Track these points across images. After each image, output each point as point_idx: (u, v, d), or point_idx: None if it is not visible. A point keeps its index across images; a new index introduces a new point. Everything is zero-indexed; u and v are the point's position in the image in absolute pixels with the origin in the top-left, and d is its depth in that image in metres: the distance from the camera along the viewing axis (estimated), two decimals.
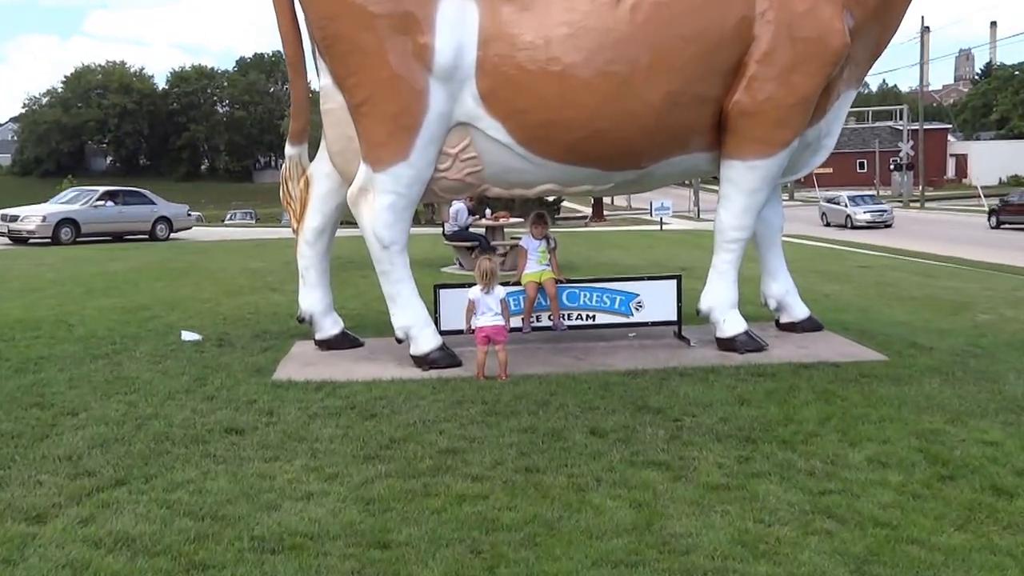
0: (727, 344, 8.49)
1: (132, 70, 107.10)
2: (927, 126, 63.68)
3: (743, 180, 8.28)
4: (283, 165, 8.87)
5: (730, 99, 8.03)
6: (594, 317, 8.94)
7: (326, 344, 8.94)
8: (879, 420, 6.43)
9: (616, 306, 8.92)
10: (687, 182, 61.84)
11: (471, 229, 16.75)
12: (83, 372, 7.87)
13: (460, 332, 8.39)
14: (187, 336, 9.32)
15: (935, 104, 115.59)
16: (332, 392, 7.18)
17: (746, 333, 8.51)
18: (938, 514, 4.81)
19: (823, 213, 41.42)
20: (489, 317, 7.72)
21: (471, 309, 7.81)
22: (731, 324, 8.50)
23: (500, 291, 7.77)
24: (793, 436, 6.11)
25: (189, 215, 30.37)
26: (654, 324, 9.06)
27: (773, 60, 7.90)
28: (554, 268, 8.94)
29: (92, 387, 7.33)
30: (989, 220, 36.36)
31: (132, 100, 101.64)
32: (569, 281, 9.03)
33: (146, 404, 6.77)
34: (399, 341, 8.20)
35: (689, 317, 9.15)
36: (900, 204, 56.32)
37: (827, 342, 8.95)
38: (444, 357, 8.11)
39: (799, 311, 9.33)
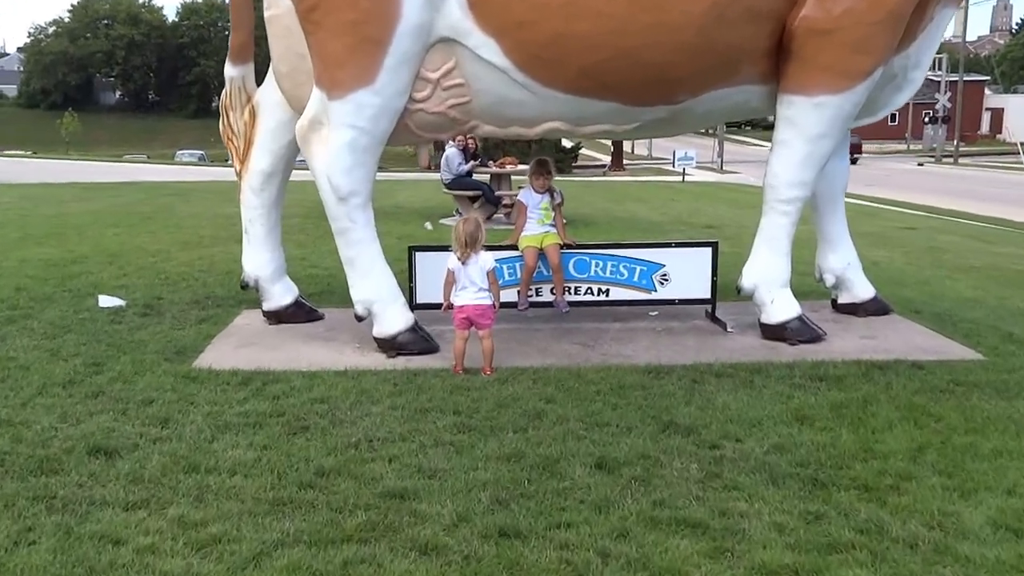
0: (775, 331, 6.72)
1: (140, 1, 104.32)
2: (966, 78, 60.68)
3: (807, 121, 6.41)
4: (223, 91, 7.07)
5: (796, 13, 6.15)
6: (607, 292, 7.16)
7: (275, 316, 7.23)
8: (993, 455, 4.68)
9: (636, 279, 7.14)
10: (709, 130, 59.14)
11: (474, 176, 14.90)
12: None
13: (439, 307, 6.68)
14: (105, 302, 7.63)
15: (970, 55, 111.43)
16: (260, 389, 5.47)
17: (799, 318, 6.72)
18: None
19: None
20: (471, 293, 5.97)
21: (449, 281, 6.06)
22: (781, 306, 6.71)
23: (486, 259, 6.00)
24: (878, 479, 4.38)
25: None
26: (682, 302, 7.28)
27: None
28: (559, 230, 7.16)
29: None
30: None
31: (140, 32, 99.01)
32: (578, 247, 7.23)
33: (2, 403, 5.09)
34: (359, 318, 6.47)
35: (725, 291, 7.38)
36: (932, 159, 53.83)
37: (899, 330, 7.15)
38: (415, 340, 6.39)
39: (863, 290, 7.52)
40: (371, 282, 6.38)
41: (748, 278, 6.77)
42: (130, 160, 47.21)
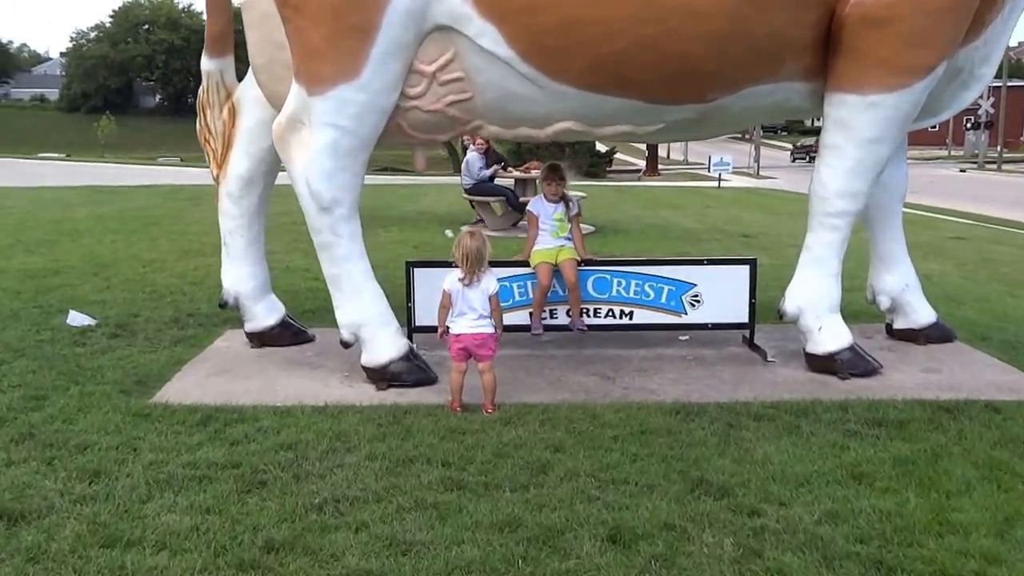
0: (823, 363, 5.83)
1: (180, 6, 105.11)
2: (1010, 83, 58.75)
3: (860, 124, 5.53)
4: (200, 87, 6.35)
5: None
6: (631, 315, 6.32)
7: (258, 338, 6.49)
8: None
9: (663, 300, 6.29)
10: (745, 134, 57.60)
11: (496, 181, 14.10)
12: None
13: (435, 330, 5.92)
14: (74, 320, 6.93)
15: (1013, 60, 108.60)
16: (219, 432, 4.71)
17: (851, 348, 5.83)
18: None
19: None
20: (469, 321, 5.16)
21: (445, 305, 5.26)
22: (830, 334, 5.82)
23: (490, 283, 5.20)
24: (958, 561, 3.51)
25: None
26: (716, 327, 6.41)
27: None
28: (576, 243, 6.33)
29: None
30: None
31: (180, 37, 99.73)
32: (598, 263, 6.39)
33: None
34: (345, 344, 5.70)
35: (764, 311, 6.51)
36: (975, 165, 52.11)
37: (965, 362, 6.22)
38: (409, 370, 5.60)
39: (923, 314, 6.59)
40: (359, 304, 5.61)
41: (792, 301, 5.89)
42: (164, 163, 47.09)
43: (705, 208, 20.55)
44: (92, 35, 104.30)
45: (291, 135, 5.45)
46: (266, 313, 6.48)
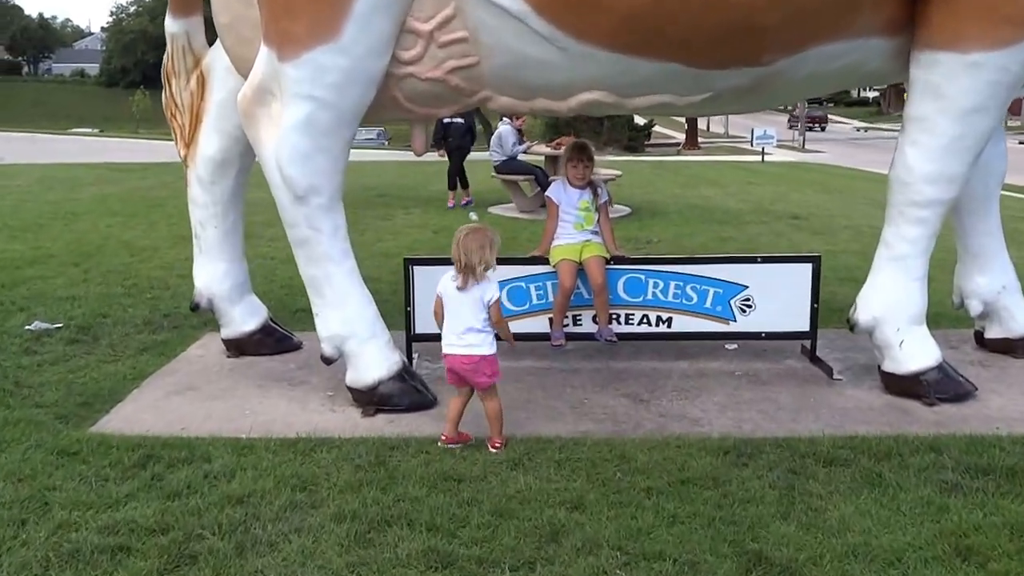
0: (905, 385, 4.80)
1: None
2: None
3: (957, 90, 4.45)
4: (165, 53, 5.44)
5: None
6: (670, 322, 5.33)
7: (235, 346, 5.62)
8: None
9: (708, 304, 5.29)
10: (787, 105, 55.06)
11: (520, 158, 13.09)
12: None
13: (439, 338, 5.03)
14: (35, 325, 6.09)
15: None
16: (158, 478, 3.82)
17: (939, 367, 4.79)
18: None
19: None
20: (457, 337, 4.20)
21: (438, 312, 4.31)
22: (914, 351, 4.78)
23: (487, 289, 4.22)
24: None
25: None
26: (771, 336, 5.40)
27: None
28: (605, 237, 5.35)
29: None
30: None
31: None
32: (631, 261, 5.40)
33: None
34: (327, 360, 4.79)
35: (827, 317, 5.51)
36: None
37: None
38: (402, 392, 4.68)
39: (1023, 321, 5.51)
40: (342, 312, 4.69)
41: (867, 309, 4.85)
42: None
43: (748, 185, 19.32)
44: (132, 9, 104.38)
45: (259, 109, 4.52)
46: (245, 317, 5.59)
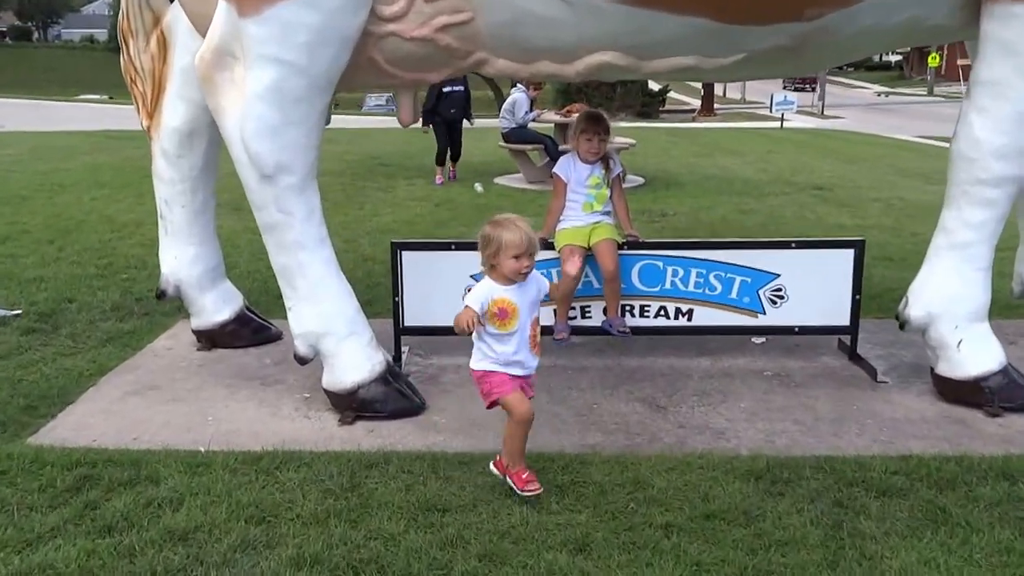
0: (963, 391, 4.18)
1: None
2: None
3: None
4: (120, 11, 4.81)
5: None
6: (690, 314, 4.72)
7: (207, 338, 5.05)
8: None
9: (734, 295, 4.68)
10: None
11: (530, 127, 12.38)
12: None
13: (437, 332, 4.47)
14: None
15: None
16: (91, 506, 3.25)
17: (1003, 371, 4.17)
18: None
19: None
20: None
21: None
22: (975, 352, 4.16)
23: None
24: None
25: None
26: (805, 331, 4.79)
27: None
28: (620, 217, 4.74)
29: None
30: None
31: None
32: (646, 245, 4.77)
33: None
34: (301, 360, 4.21)
35: (864, 304, 4.89)
36: None
37: None
38: (386, 397, 4.10)
39: None
40: (318, 307, 4.10)
41: (921, 304, 4.22)
42: None
43: (768, 154, 18.56)
44: None
45: (219, 74, 3.89)
46: (217, 306, 5.02)
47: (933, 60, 51.21)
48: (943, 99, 50.70)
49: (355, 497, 3.35)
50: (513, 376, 3.36)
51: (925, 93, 55.30)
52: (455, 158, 12.82)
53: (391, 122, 27.40)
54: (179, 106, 4.70)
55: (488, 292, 3.30)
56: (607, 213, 4.67)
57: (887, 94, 58.08)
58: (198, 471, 3.54)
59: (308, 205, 4.00)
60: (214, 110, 3.97)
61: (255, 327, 5.14)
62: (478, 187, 11.67)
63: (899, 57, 73.46)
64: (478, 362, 3.41)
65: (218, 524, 3.14)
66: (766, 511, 3.25)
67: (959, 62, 58.21)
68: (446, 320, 4.66)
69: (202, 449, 3.76)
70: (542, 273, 4.60)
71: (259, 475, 3.52)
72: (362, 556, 2.95)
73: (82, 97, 51.17)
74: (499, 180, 12.64)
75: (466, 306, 3.27)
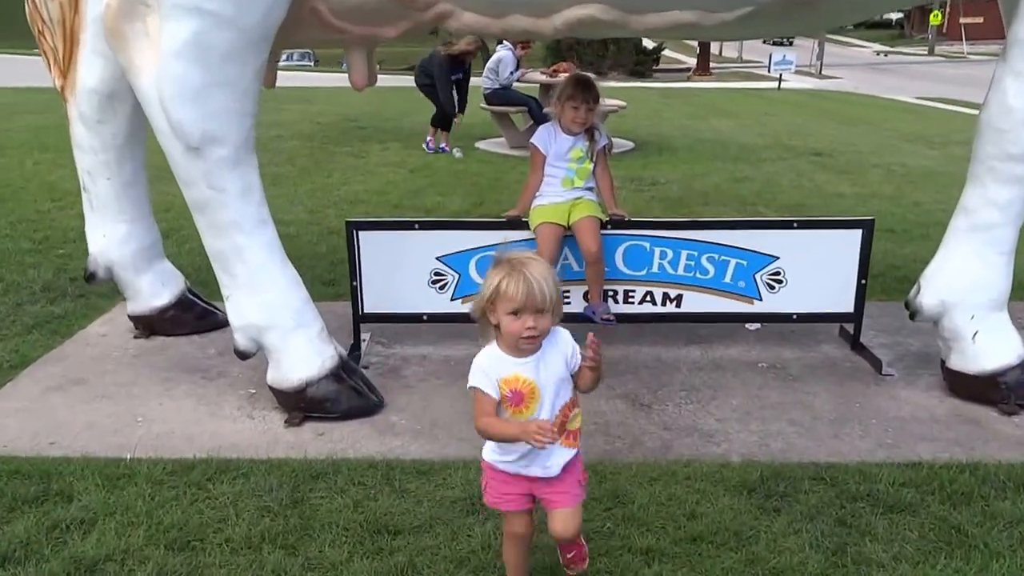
0: (977, 387, 3.78)
1: None
2: None
3: None
4: None
5: None
6: (679, 300, 4.29)
7: (144, 324, 4.61)
8: None
9: (728, 279, 4.24)
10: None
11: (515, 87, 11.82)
12: None
13: (399, 319, 4.06)
14: None
15: None
16: None
17: (1022, 366, 3.75)
18: None
19: None
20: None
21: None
22: (992, 344, 3.75)
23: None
24: None
25: None
26: (803, 319, 4.36)
27: None
28: (604, 194, 4.29)
29: None
30: None
31: None
32: (632, 224, 4.31)
33: None
34: (242, 356, 3.77)
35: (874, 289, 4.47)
36: None
37: None
38: (338, 395, 3.67)
39: None
40: (259, 297, 3.65)
41: (935, 292, 3.80)
42: None
43: (764, 116, 18.05)
44: None
45: (128, 25, 3.39)
46: (155, 289, 4.56)
47: (935, 18, 50.32)
48: (944, 59, 49.97)
49: (295, 516, 2.94)
50: (528, 478, 2.35)
51: (926, 52, 54.50)
52: (446, 125, 11.67)
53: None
54: (96, 63, 4.17)
55: (493, 368, 2.25)
56: (589, 189, 4.22)
57: (886, 53, 57.28)
58: (118, 484, 3.12)
59: (244, 181, 3.53)
60: (126, 68, 3.47)
61: (199, 312, 4.69)
62: (457, 152, 11.15)
63: (899, 15, 72.39)
64: (486, 450, 2.42)
65: (133, 552, 2.73)
66: (759, 532, 2.85)
67: (961, 20, 57.33)
68: (409, 306, 4.31)
69: (127, 457, 3.34)
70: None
71: (188, 489, 3.10)
72: None
73: (36, 50, 49.87)
74: (480, 145, 12.11)
75: (475, 391, 2.26)
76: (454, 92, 11.37)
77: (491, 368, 2.25)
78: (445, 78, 11.08)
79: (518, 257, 2.22)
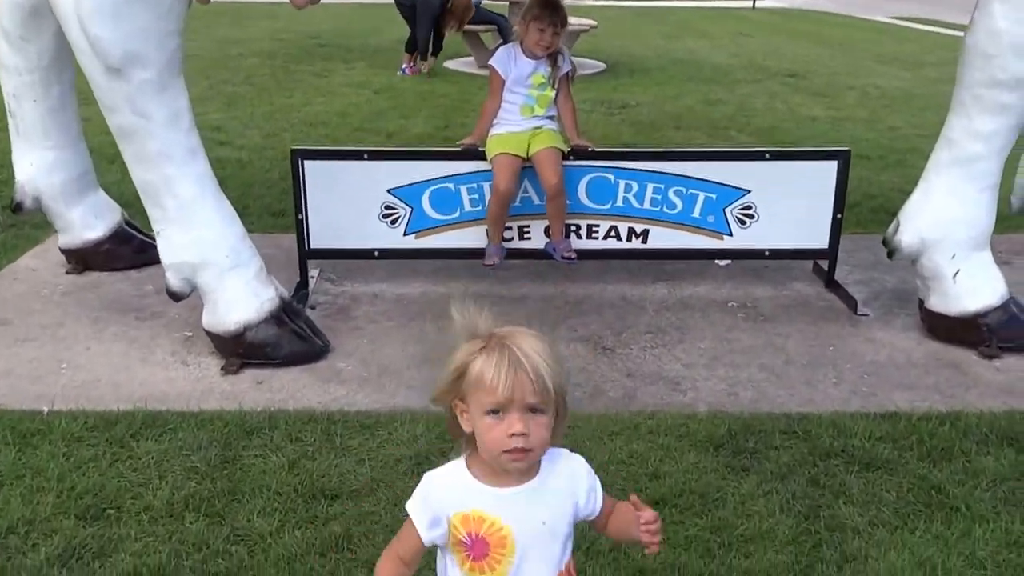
0: (957, 328, 3.60)
1: None
2: None
3: None
4: None
5: None
6: (645, 236, 4.04)
7: (77, 258, 4.29)
8: None
9: (697, 213, 3.99)
10: None
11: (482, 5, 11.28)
12: None
13: (347, 255, 3.80)
14: None
15: None
16: None
17: (1004, 307, 3.58)
18: None
19: None
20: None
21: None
22: (973, 284, 3.56)
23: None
24: None
25: None
26: (776, 255, 4.14)
27: None
28: (566, 122, 3.98)
29: None
30: None
31: None
32: (597, 155, 4.02)
33: None
34: (174, 296, 3.48)
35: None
36: None
37: None
38: (279, 339, 3.42)
39: None
40: (191, 233, 3.34)
41: (914, 229, 3.58)
42: None
43: (739, 36, 17.53)
44: None
45: None
46: (87, 221, 4.23)
47: None
48: None
49: (224, 479, 2.71)
50: None
51: None
52: (436, 50, 10.93)
53: None
54: None
55: (447, 498, 1.44)
56: (550, 118, 3.91)
57: None
58: (32, 442, 2.86)
59: (172, 107, 3.18)
60: None
61: (137, 246, 4.37)
62: (423, 70, 10.68)
63: None
64: None
65: (39, 523, 2.49)
66: (727, 493, 2.67)
67: None
68: (359, 241, 4.03)
69: (45, 410, 3.07)
70: (469, 185, 3.95)
71: (109, 447, 2.85)
72: (218, 568, 2.33)
73: None
74: (449, 64, 11.62)
75: (408, 522, 1.46)
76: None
77: (443, 497, 1.43)
78: (429, 15, 10.49)
79: (511, 331, 1.39)
